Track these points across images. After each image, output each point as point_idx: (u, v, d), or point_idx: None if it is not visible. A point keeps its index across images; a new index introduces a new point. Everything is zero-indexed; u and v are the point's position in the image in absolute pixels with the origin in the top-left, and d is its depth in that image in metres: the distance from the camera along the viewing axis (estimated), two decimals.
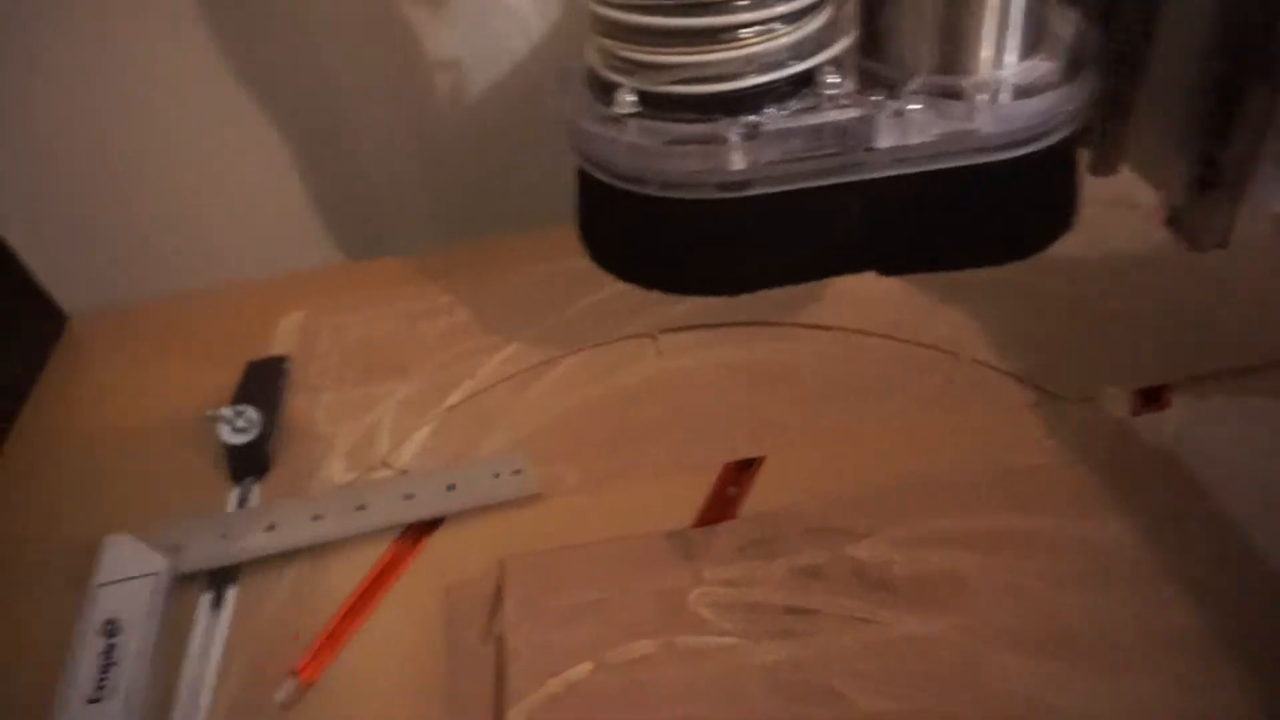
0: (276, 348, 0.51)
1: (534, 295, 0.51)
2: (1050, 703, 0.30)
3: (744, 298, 0.47)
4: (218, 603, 0.38)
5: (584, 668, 0.33)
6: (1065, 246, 0.48)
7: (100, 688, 0.34)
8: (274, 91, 0.61)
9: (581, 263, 0.53)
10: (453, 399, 0.45)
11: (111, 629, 0.36)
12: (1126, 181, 0.43)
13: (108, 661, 0.34)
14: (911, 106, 0.29)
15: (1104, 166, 0.37)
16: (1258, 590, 0.32)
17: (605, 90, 0.31)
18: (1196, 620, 0.31)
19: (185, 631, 0.37)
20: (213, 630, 0.37)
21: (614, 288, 0.51)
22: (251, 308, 0.54)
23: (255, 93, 0.60)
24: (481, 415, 0.45)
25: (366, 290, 0.54)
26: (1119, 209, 0.50)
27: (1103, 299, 0.45)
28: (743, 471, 0.40)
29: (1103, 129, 0.36)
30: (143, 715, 0.33)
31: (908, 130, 0.29)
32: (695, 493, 0.39)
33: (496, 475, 0.41)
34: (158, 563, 0.38)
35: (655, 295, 0.49)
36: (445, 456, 0.43)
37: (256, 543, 0.39)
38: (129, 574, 0.38)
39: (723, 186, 0.30)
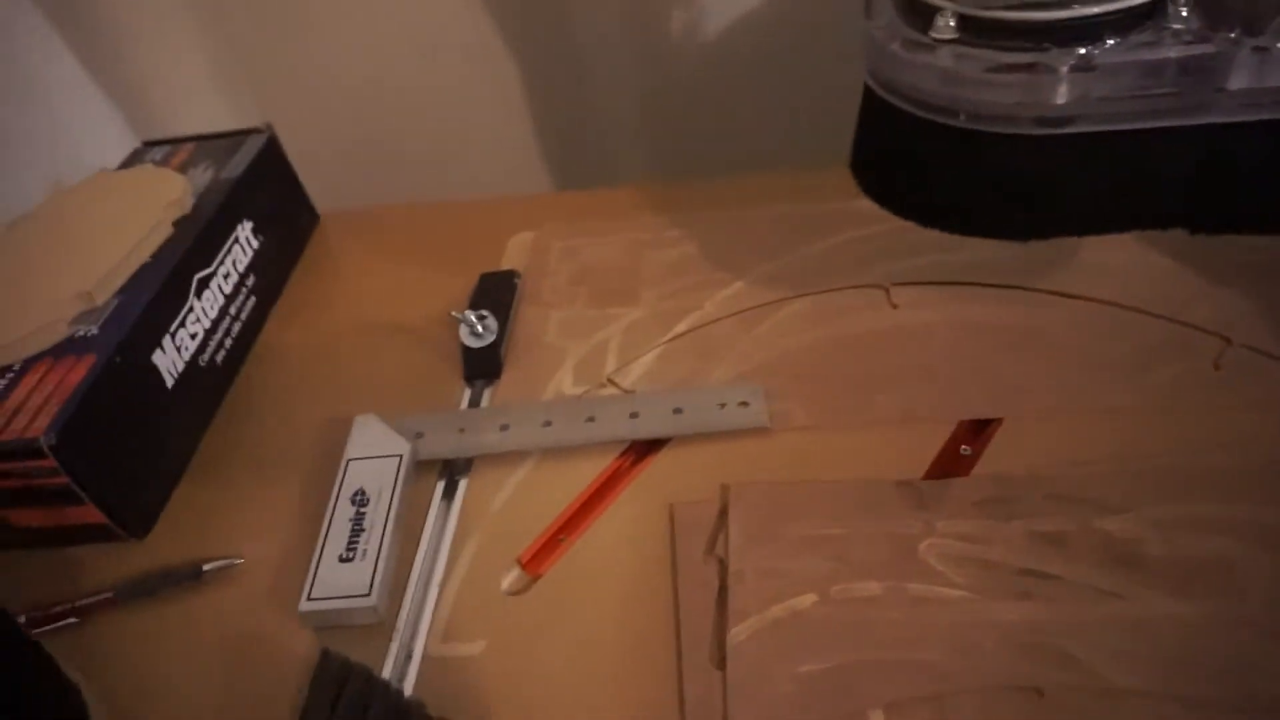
0: (507, 263, 0.53)
1: (762, 236, 0.51)
2: None
3: (984, 259, 0.46)
4: (450, 491, 0.40)
5: (808, 598, 0.33)
6: None
7: (350, 549, 0.36)
8: (516, 27, 0.63)
9: (810, 208, 0.52)
10: (679, 328, 0.46)
11: (361, 499, 0.38)
12: None
13: (358, 527, 0.37)
14: (1277, 45, 0.26)
15: None
16: None
17: (921, 14, 0.30)
18: None
19: (421, 513, 0.39)
20: (445, 515, 0.39)
21: (843, 235, 0.50)
22: (484, 224, 0.57)
23: (499, 27, 0.63)
24: (707, 347, 0.45)
25: (595, 219, 0.55)
26: None
27: None
28: (979, 431, 0.38)
29: None
30: (384, 578, 0.36)
31: (1268, 71, 0.27)
32: (926, 447, 0.38)
33: (723, 405, 0.41)
34: (401, 445, 0.40)
35: (890, 247, 0.48)
36: (670, 382, 0.43)
37: (490, 440, 0.41)
38: (377, 452, 0.40)
39: (1041, 121, 0.29)
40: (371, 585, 0.35)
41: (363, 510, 0.38)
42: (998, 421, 0.38)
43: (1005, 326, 0.43)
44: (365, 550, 0.36)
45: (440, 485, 0.41)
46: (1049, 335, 0.42)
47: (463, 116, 0.67)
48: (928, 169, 0.33)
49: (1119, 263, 0.45)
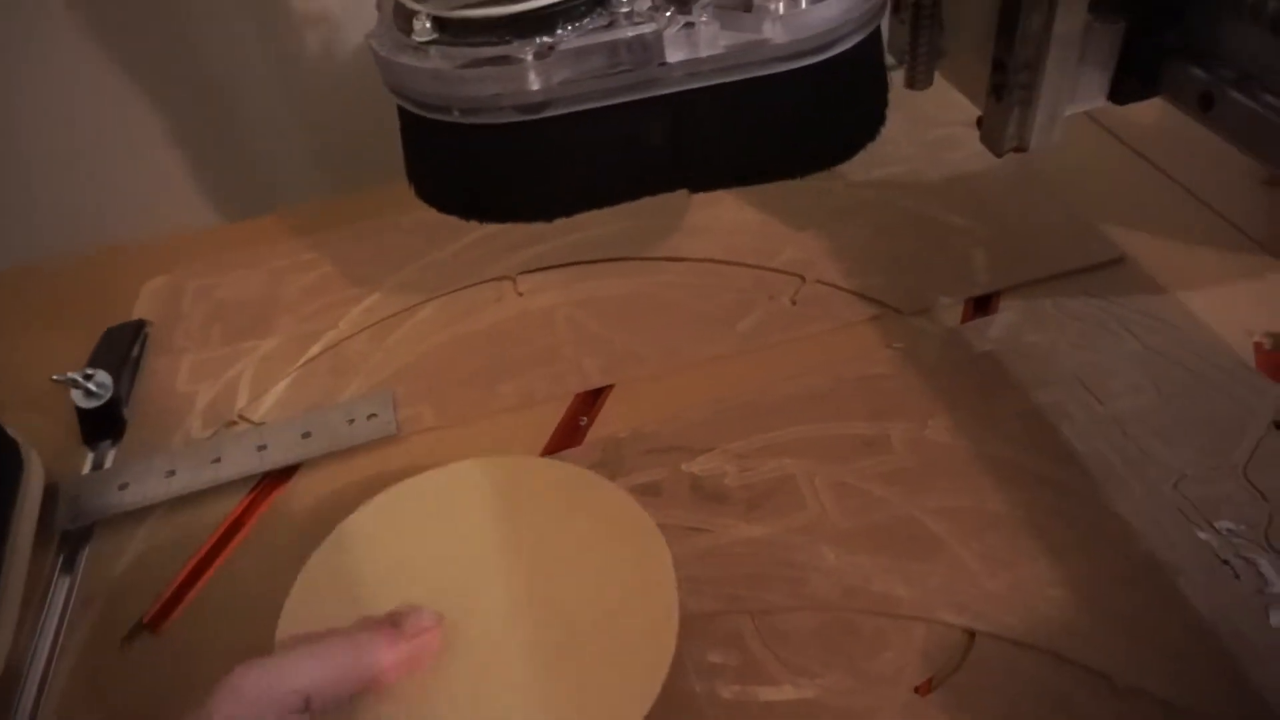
0: (139, 313, 0.50)
1: (398, 245, 0.51)
2: (867, 589, 0.31)
3: (602, 236, 0.48)
4: (70, 563, 0.38)
5: None
6: (915, 169, 0.49)
7: None
8: (139, 56, 0.59)
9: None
10: (313, 350, 0.45)
11: None
12: None
13: None
14: (700, 19, 0.29)
15: (918, 80, 0.37)
16: (1059, 470, 0.34)
17: (407, 19, 0.31)
18: (1006, 503, 0.33)
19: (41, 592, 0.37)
20: (60, 590, 0.37)
21: (477, 233, 0.51)
22: (117, 274, 0.53)
23: (119, 57, 0.59)
24: (341, 364, 0.44)
25: (234, 251, 0.54)
26: (969, 130, 0.52)
27: (946, 216, 0.46)
28: (593, 401, 0.40)
29: (914, 42, 0.36)
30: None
31: (698, 43, 0.30)
32: (549, 424, 0.40)
33: (351, 420, 0.41)
34: None
35: (517, 239, 0.49)
36: (304, 406, 0.43)
37: (109, 502, 0.39)
38: None
39: (522, 109, 0.30)
40: None
41: None
42: (609, 388, 0.41)
43: (619, 297, 0.45)
44: None
45: (61, 559, 0.38)
46: (657, 299, 0.45)
47: (96, 165, 0.62)
48: (444, 165, 0.35)
49: (719, 223, 0.48)
